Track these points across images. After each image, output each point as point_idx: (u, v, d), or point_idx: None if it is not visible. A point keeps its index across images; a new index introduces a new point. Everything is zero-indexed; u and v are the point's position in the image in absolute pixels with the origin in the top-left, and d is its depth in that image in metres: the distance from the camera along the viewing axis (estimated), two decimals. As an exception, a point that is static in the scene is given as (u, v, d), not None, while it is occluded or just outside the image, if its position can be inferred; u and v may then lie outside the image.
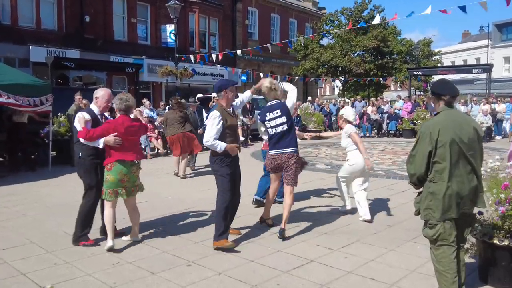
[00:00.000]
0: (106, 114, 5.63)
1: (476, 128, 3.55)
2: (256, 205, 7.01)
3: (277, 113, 5.56)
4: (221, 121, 5.06)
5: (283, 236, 5.37)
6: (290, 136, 5.56)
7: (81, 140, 5.04)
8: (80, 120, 5.12)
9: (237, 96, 5.69)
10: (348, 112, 6.62)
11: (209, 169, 10.14)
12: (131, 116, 5.30)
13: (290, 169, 5.53)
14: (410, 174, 3.65)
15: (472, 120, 3.74)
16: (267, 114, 5.62)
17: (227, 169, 5.16)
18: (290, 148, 5.53)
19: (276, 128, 5.55)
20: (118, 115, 5.21)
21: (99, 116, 5.32)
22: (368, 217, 6.20)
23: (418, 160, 3.53)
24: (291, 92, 5.82)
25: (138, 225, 5.43)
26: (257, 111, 19.40)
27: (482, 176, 3.68)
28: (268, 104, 5.73)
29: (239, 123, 6.44)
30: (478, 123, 3.67)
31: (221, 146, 5.05)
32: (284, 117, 5.55)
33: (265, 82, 5.68)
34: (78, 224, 5.27)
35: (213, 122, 5.06)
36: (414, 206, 3.73)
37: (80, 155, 5.25)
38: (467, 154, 3.44)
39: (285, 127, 5.54)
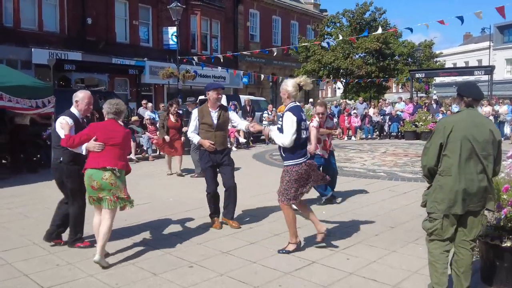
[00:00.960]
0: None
1: (493, 131, 3.58)
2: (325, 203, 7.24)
3: (305, 116, 5.03)
4: (197, 118, 6.02)
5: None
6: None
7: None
8: (64, 126, 4.89)
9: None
10: None
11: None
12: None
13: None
14: (422, 166, 3.79)
15: (490, 123, 3.73)
16: (302, 114, 4.93)
17: (204, 162, 6.02)
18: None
19: (306, 132, 4.99)
20: (106, 118, 4.96)
21: (80, 120, 5.18)
22: None
23: (430, 152, 3.65)
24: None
25: (102, 242, 4.64)
26: (258, 113, 19.43)
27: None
28: (297, 104, 4.95)
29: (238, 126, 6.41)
30: (495, 127, 3.74)
31: (195, 139, 6.04)
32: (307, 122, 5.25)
33: (289, 87, 4.89)
34: (71, 229, 5.23)
35: (191, 119, 6.12)
36: (422, 198, 3.81)
37: (61, 159, 5.09)
38: (479, 153, 3.50)
39: (308, 133, 5.20)
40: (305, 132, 4.94)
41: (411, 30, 22.24)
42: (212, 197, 6.03)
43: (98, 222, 4.82)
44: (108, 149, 4.72)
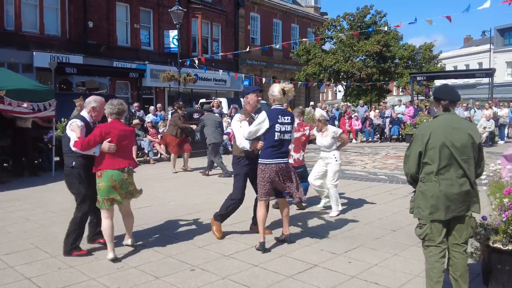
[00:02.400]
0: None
1: (472, 134, 3.57)
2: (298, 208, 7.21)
3: (287, 119, 5.22)
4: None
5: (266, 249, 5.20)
6: (288, 147, 5.36)
7: (75, 150, 4.81)
8: (75, 129, 4.88)
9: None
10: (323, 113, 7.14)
11: (213, 174, 10.22)
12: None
13: (293, 180, 5.28)
14: (405, 173, 3.83)
15: (469, 126, 3.69)
16: (279, 116, 5.16)
17: (240, 167, 5.58)
18: (288, 159, 5.35)
19: (284, 134, 5.18)
20: (109, 119, 5.03)
21: (91, 124, 5.17)
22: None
23: (410, 161, 3.68)
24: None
25: (132, 230, 5.36)
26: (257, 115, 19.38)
27: (484, 181, 3.73)
28: (278, 107, 5.27)
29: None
30: (476, 130, 3.71)
31: (247, 145, 5.37)
32: (291, 126, 5.31)
33: (274, 92, 5.25)
34: (71, 235, 5.06)
35: (254, 123, 5.24)
36: (410, 205, 3.82)
37: (73, 164, 5.01)
38: (458, 158, 3.51)
39: (290, 136, 5.30)
40: (279, 135, 5.13)
41: (415, 19, 21.67)
42: (236, 205, 5.68)
43: (108, 226, 4.90)
44: (121, 148, 4.90)
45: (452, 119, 3.63)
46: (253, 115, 5.63)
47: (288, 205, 5.52)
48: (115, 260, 4.85)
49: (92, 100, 5.21)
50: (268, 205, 5.52)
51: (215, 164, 10.81)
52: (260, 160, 5.20)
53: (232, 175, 5.92)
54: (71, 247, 5.05)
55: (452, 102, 3.68)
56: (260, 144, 5.21)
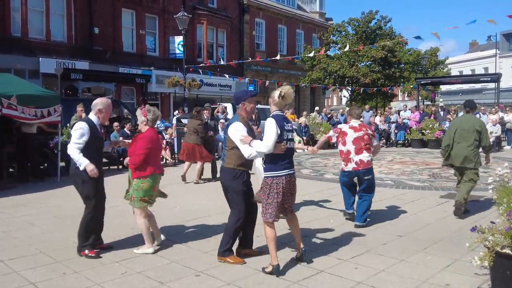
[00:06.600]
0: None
1: (474, 124, 6.89)
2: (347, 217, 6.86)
3: (290, 126, 4.81)
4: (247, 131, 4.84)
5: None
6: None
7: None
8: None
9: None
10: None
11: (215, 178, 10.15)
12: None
13: (295, 192, 4.93)
14: (443, 146, 7.20)
15: (475, 120, 7.13)
16: (285, 123, 4.70)
17: (241, 182, 4.89)
18: (294, 169, 4.86)
19: (290, 143, 4.74)
20: (146, 127, 5.35)
21: (98, 127, 5.23)
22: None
23: (447, 137, 7.16)
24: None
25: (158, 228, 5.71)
26: (263, 121, 19.40)
27: (491, 185, 4.45)
28: (280, 113, 4.76)
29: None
30: (478, 121, 7.07)
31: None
32: (294, 133, 4.93)
33: (274, 95, 4.72)
34: (80, 235, 5.22)
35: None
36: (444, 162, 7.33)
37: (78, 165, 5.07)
38: (464, 135, 6.81)
39: (292, 145, 4.84)
40: (290, 144, 4.71)
41: (420, 37, 21.81)
42: (243, 224, 4.98)
43: (145, 224, 5.32)
44: (158, 155, 5.63)
45: (468, 116, 7.15)
46: (249, 123, 5.08)
47: (296, 217, 5.05)
48: (154, 252, 5.29)
49: (99, 102, 5.29)
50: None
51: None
52: (268, 173, 4.64)
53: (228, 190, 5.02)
54: (81, 245, 5.21)
55: (471, 108, 7.23)
56: (283, 146, 4.59)
